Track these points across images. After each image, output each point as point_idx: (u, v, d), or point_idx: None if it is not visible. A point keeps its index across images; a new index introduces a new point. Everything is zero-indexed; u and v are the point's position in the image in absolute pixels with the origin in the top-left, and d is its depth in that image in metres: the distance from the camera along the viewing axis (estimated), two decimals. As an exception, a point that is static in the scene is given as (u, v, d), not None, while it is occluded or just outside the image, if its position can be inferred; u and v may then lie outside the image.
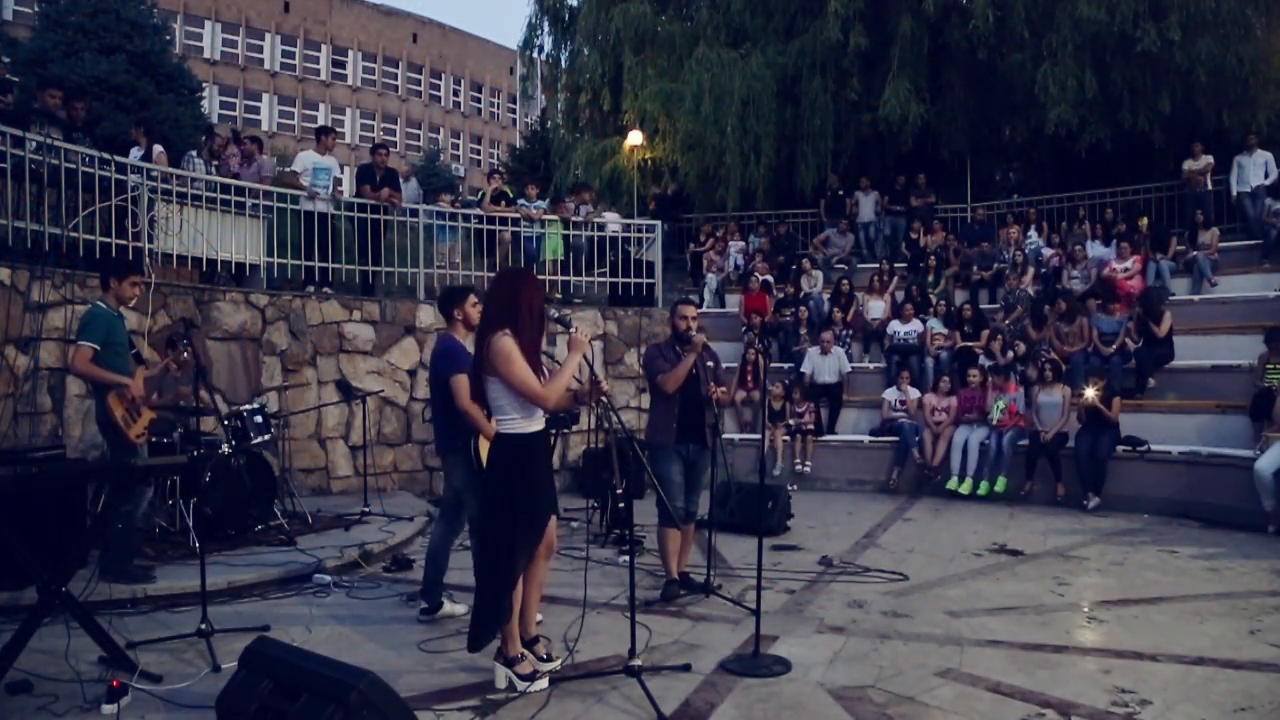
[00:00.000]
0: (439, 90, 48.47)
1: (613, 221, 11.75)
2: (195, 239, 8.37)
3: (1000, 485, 9.09)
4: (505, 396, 3.75)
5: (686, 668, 4.13)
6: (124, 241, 7.64)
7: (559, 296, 10.89)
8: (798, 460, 10.20)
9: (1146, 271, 10.84)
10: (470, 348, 4.34)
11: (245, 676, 3.22)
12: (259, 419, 7.10)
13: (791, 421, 10.31)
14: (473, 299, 4.96)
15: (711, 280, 13.31)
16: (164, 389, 6.49)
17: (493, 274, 10.60)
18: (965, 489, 9.24)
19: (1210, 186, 12.04)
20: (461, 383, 4.58)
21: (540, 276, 10.08)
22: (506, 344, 3.66)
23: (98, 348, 5.10)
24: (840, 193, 14.32)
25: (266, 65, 42.22)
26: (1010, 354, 10.02)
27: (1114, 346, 9.65)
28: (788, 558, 6.60)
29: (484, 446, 4.59)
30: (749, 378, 10.68)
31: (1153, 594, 5.48)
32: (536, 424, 3.86)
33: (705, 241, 14.09)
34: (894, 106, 13.02)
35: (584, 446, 9.97)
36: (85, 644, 4.00)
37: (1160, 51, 11.70)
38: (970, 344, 10.52)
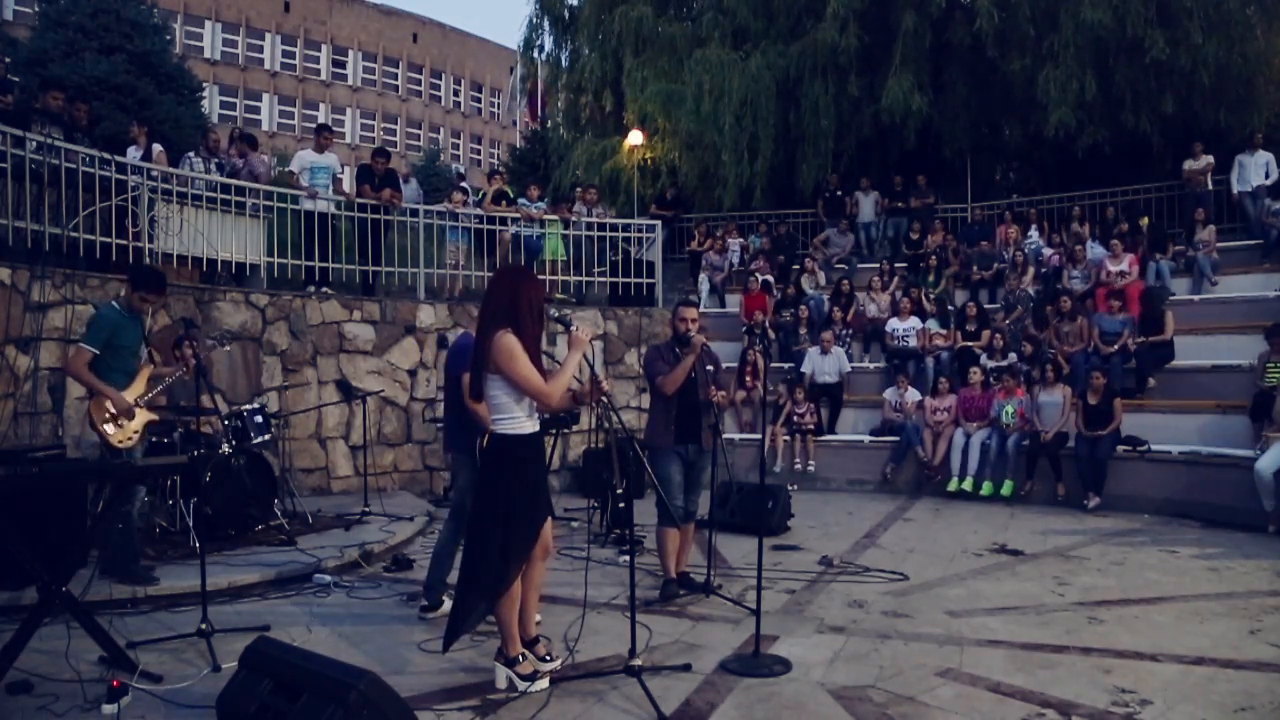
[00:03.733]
0: (439, 90, 48.49)
1: (599, 219, 11.71)
2: (195, 239, 8.37)
3: (1007, 489, 9.08)
4: (505, 395, 3.74)
5: (687, 668, 4.13)
6: (124, 241, 7.64)
7: (560, 296, 10.90)
8: (798, 460, 10.20)
9: (1145, 271, 10.84)
10: None
11: (245, 676, 3.22)
12: (259, 419, 7.10)
13: (795, 418, 10.29)
14: None
15: (705, 280, 13.30)
16: (174, 393, 6.48)
17: (492, 274, 10.61)
18: (968, 487, 9.24)
19: (1210, 186, 12.04)
20: (469, 380, 4.57)
21: (540, 276, 10.08)
22: (509, 341, 3.64)
23: (96, 352, 5.06)
24: (840, 193, 14.33)
25: (266, 65, 42.24)
26: (1014, 355, 10.02)
27: (1115, 346, 9.64)
28: (788, 558, 6.60)
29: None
30: (749, 378, 10.68)
31: (1153, 594, 5.48)
32: (534, 424, 3.86)
33: (704, 242, 14.09)
34: (896, 97, 13.00)
35: (584, 446, 9.97)
36: (85, 644, 4.00)
37: (1165, 54, 11.70)
38: (971, 344, 10.53)
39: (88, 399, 5.31)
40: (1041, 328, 10.21)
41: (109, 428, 5.14)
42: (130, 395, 5.22)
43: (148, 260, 7.80)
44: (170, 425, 6.49)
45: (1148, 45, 11.66)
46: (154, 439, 6.05)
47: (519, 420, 3.78)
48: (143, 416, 5.34)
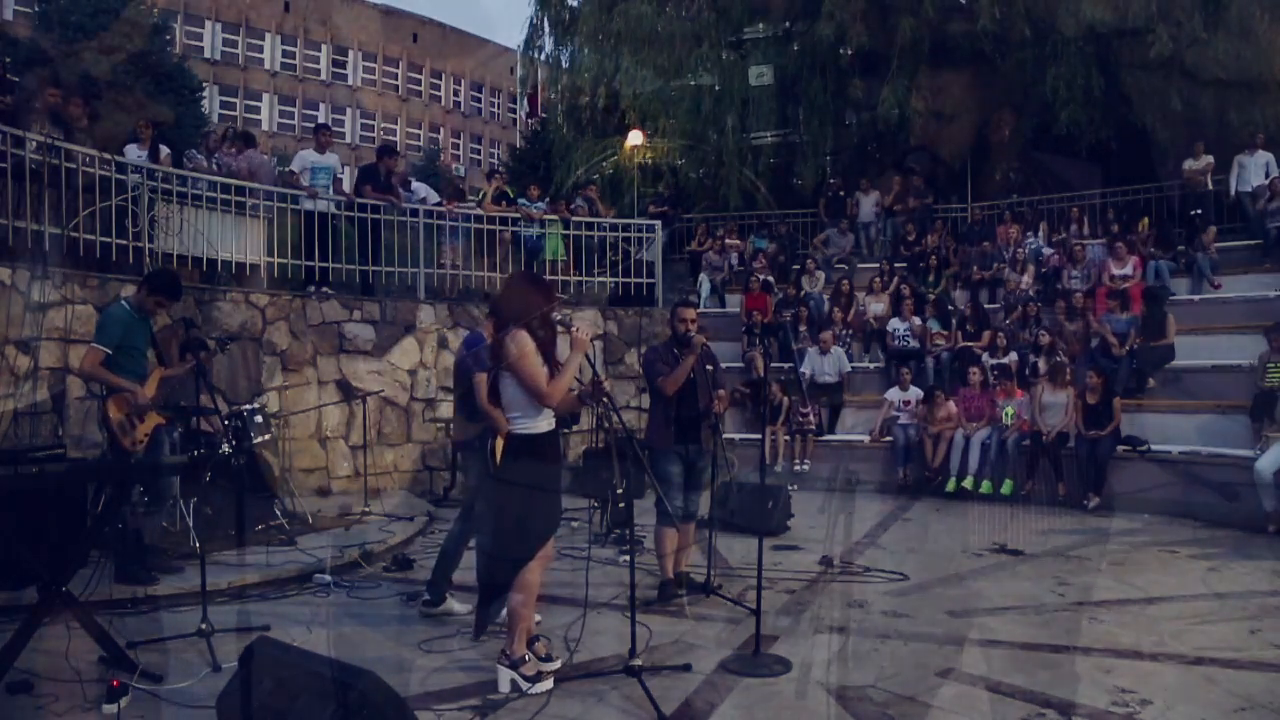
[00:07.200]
0: (439, 90, 48.45)
1: (598, 219, 11.69)
2: (195, 239, 8.37)
3: (1007, 489, 9.07)
4: (516, 394, 3.80)
5: (687, 668, 4.13)
6: (124, 241, 7.64)
7: (560, 296, 10.88)
8: (798, 460, 10.19)
9: (1146, 272, 10.83)
10: None
11: (245, 676, 3.21)
12: (259, 419, 7.09)
13: (800, 417, 10.28)
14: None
15: (704, 281, 13.29)
16: (174, 393, 6.46)
17: (493, 274, 10.63)
18: (968, 486, 9.23)
19: (1210, 186, 12.03)
20: (484, 380, 4.57)
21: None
22: (522, 338, 3.72)
23: (109, 352, 5.00)
24: (840, 193, 14.33)
25: (266, 65, 42.20)
26: (1014, 355, 10.01)
27: (1126, 347, 9.60)
28: (788, 558, 6.60)
29: (499, 447, 4.60)
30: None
31: (1153, 594, 5.48)
32: (546, 424, 3.89)
33: (704, 242, 14.09)
34: (892, 105, 13.02)
35: (584, 446, 9.96)
36: (85, 644, 3.99)
37: (1169, 50, 11.69)
38: (971, 344, 10.52)
39: (91, 398, 5.28)
40: (1024, 327, 10.26)
41: (123, 431, 5.07)
42: (139, 395, 5.15)
43: (148, 260, 7.80)
44: (170, 425, 6.47)
45: (1151, 41, 11.65)
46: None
47: (527, 420, 3.83)
48: (153, 420, 5.28)
